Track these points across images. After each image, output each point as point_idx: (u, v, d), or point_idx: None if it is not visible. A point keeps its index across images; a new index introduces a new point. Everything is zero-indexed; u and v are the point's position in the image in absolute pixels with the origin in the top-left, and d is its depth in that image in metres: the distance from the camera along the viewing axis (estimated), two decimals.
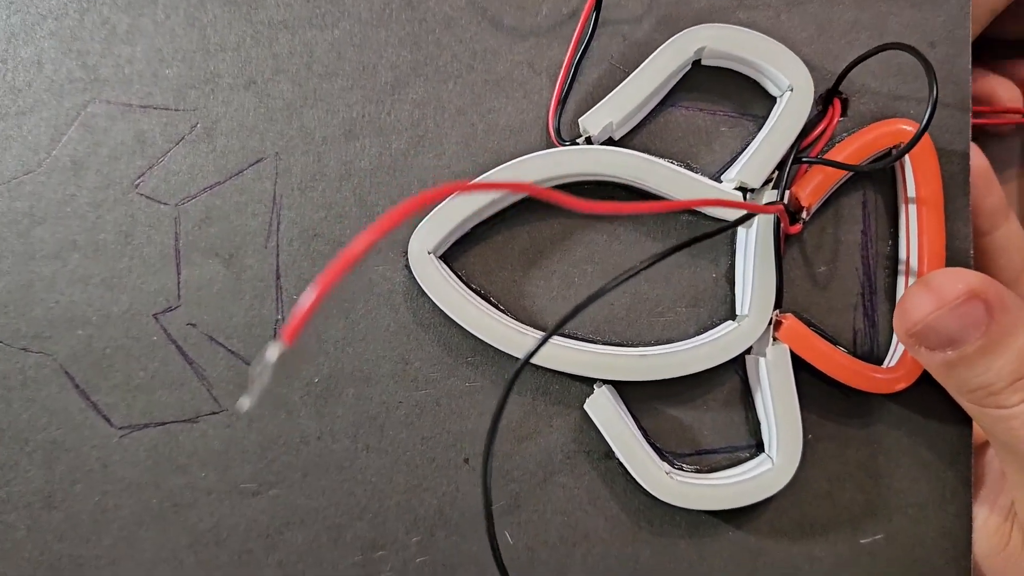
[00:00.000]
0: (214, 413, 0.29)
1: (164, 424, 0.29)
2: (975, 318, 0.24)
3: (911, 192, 0.28)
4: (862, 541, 0.29)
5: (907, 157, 0.28)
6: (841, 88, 0.28)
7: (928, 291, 0.25)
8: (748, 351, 0.28)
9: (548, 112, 0.29)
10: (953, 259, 0.28)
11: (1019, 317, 0.24)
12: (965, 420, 0.29)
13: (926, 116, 0.25)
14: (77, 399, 0.29)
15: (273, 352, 0.16)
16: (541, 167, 0.28)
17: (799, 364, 0.28)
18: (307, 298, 0.16)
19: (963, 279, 0.25)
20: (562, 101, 0.29)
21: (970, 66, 0.28)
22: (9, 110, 0.29)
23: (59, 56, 0.29)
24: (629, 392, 0.29)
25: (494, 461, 0.29)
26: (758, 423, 0.29)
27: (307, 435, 0.29)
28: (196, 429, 0.29)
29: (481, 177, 0.28)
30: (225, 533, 0.29)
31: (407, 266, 0.29)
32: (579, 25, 0.28)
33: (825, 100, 0.28)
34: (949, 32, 0.28)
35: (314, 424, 0.29)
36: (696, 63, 0.29)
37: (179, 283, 0.29)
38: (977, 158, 0.29)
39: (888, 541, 0.29)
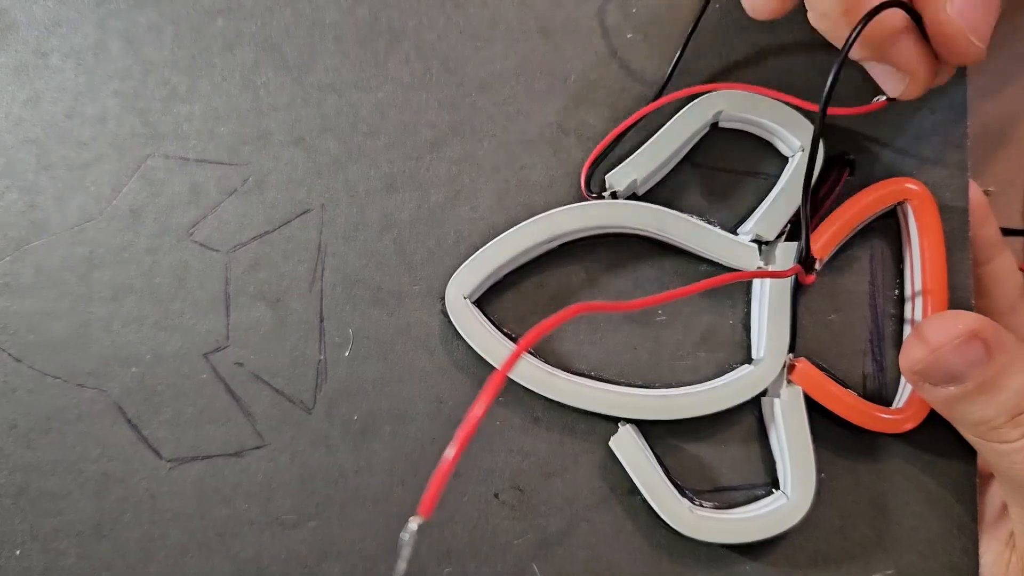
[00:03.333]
0: (257, 448, 0.31)
1: (210, 457, 0.31)
2: (975, 356, 0.26)
3: (915, 246, 0.30)
4: None
5: (911, 213, 0.30)
6: (848, 149, 0.30)
7: (933, 329, 0.27)
8: (764, 393, 0.30)
9: (575, 169, 0.31)
10: (954, 309, 0.30)
11: (1016, 356, 0.26)
12: (970, 459, 0.31)
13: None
14: (129, 433, 0.31)
15: (414, 524, 0.18)
16: (571, 219, 0.30)
17: (812, 406, 0.30)
18: (441, 470, 0.18)
19: (964, 319, 0.27)
20: (598, 161, 0.31)
21: (967, 131, 0.30)
22: (74, 162, 0.31)
23: (122, 113, 0.31)
24: (651, 431, 0.31)
25: (523, 496, 0.31)
26: (773, 461, 0.31)
27: (345, 470, 0.31)
28: (240, 463, 0.31)
29: (514, 228, 0.30)
30: (266, 562, 0.31)
31: (443, 311, 0.31)
32: (641, 111, 0.30)
33: (833, 161, 0.30)
34: (948, 98, 0.31)
35: (352, 459, 0.31)
36: (714, 126, 0.31)
37: (228, 325, 0.31)
38: (974, 192, 0.31)
39: None
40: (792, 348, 0.30)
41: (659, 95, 0.30)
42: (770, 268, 0.30)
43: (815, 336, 0.31)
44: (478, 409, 0.17)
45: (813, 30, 0.27)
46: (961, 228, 0.31)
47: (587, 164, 0.31)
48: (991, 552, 0.30)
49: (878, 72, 0.27)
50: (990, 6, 0.23)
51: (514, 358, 0.19)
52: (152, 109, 0.31)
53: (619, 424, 0.30)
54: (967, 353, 0.26)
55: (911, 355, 0.27)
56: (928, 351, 0.27)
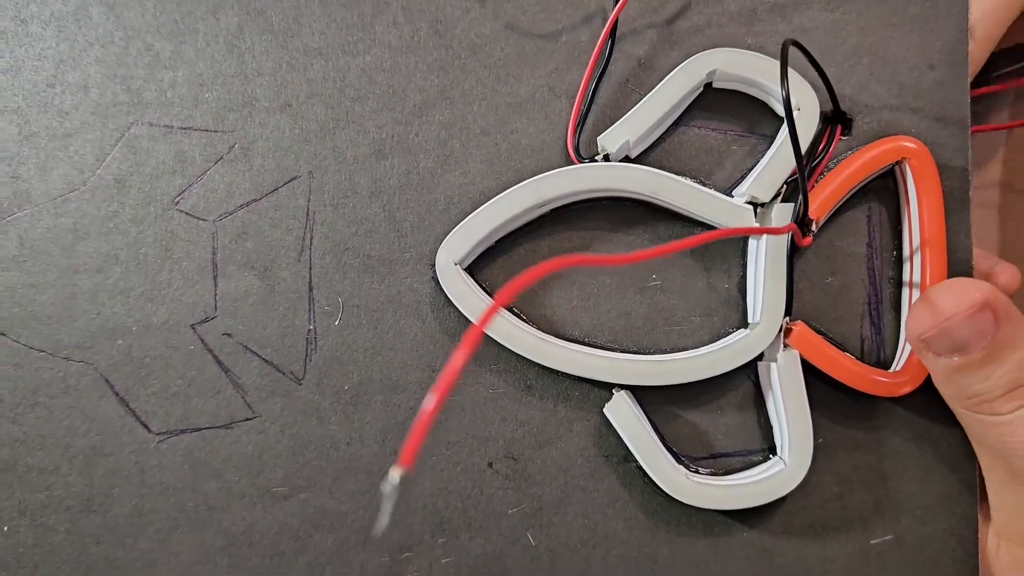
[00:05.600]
0: (248, 419, 0.31)
1: (200, 430, 0.31)
2: (984, 327, 0.26)
3: (913, 206, 0.29)
4: (872, 542, 0.30)
5: (909, 173, 0.29)
6: (844, 108, 0.30)
7: (944, 298, 0.26)
8: (760, 357, 0.30)
9: (567, 132, 0.30)
10: (954, 271, 0.30)
11: (1020, 329, 0.26)
12: None
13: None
14: (117, 406, 0.31)
15: (395, 476, 0.17)
16: (564, 182, 0.29)
17: (809, 371, 0.29)
18: (421, 422, 0.17)
19: (979, 288, 0.26)
20: (580, 121, 0.30)
21: (968, 87, 0.30)
22: (57, 132, 0.31)
23: (105, 81, 0.31)
24: (646, 398, 0.30)
25: (517, 466, 0.30)
26: (770, 427, 0.30)
27: (337, 440, 0.31)
28: (230, 435, 0.31)
29: (505, 192, 0.29)
30: (257, 536, 0.30)
31: (434, 277, 0.30)
32: (595, 49, 0.30)
33: (828, 119, 0.30)
34: (948, 55, 0.30)
35: (343, 430, 0.31)
36: (708, 86, 0.30)
37: (216, 295, 0.31)
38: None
39: (897, 542, 0.30)
40: (789, 311, 0.29)
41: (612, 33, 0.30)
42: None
43: (812, 299, 0.30)
44: (457, 360, 0.17)
45: None
46: (961, 188, 0.30)
47: (572, 125, 0.30)
48: None
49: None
50: None
51: (490, 313, 0.18)
52: (135, 76, 0.31)
53: (613, 391, 0.30)
54: (978, 324, 0.26)
55: (921, 323, 0.27)
56: (939, 320, 0.26)
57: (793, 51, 0.30)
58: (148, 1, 0.31)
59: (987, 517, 0.30)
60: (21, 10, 0.31)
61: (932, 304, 0.26)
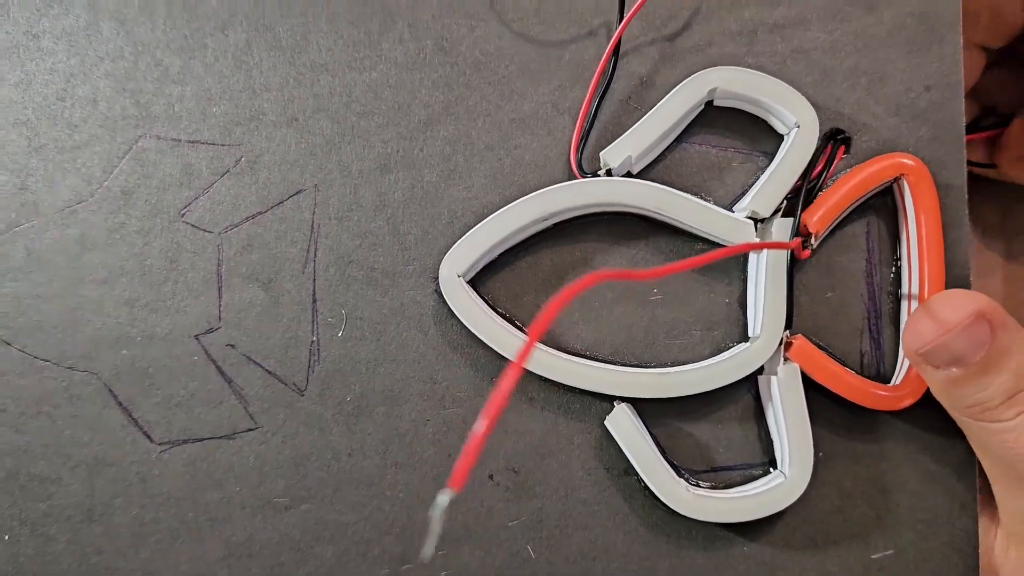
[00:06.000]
0: (250, 430, 0.31)
1: (202, 440, 0.31)
2: (981, 337, 0.26)
3: (911, 223, 0.30)
4: (872, 556, 0.30)
5: (907, 189, 0.30)
6: (843, 126, 0.30)
7: (943, 309, 0.27)
8: (760, 371, 0.30)
9: (570, 148, 0.31)
10: (951, 286, 0.30)
11: (1016, 337, 0.26)
12: None
13: None
14: (119, 416, 0.31)
15: (444, 499, 0.17)
16: (566, 197, 0.30)
17: (809, 384, 0.30)
18: (472, 444, 0.17)
19: (974, 300, 0.26)
20: (583, 137, 0.31)
21: (963, 107, 0.30)
22: (66, 144, 0.31)
23: (114, 95, 0.31)
24: (647, 411, 0.31)
25: (518, 478, 0.31)
26: (771, 440, 0.31)
27: (338, 452, 0.31)
28: (232, 445, 0.31)
29: (508, 206, 0.30)
30: (258, 547, 0.30)
31: (437, 290, 0.30)
32: (598, 67, 0.30)
33: (828, 137, 0.30)
34: (943, 76, 0.30)
35: (345, 441, 0.31)
36: (709, 104, 0.31)
37: (220, 306, 0.31)
38: None
39: (898, 556, 0.30)
40: (789, 325, 0.30)
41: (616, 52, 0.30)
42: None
43: (812, 313, 0.31)
44: (511, 376, 0.17)
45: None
46: (958, 206, 0.30)
47: (575, 140, 0.30)
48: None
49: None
50: None
51: (546, 321, 0.19)
52: (144, 90, 0.31)
53: (615, 403, 0.30)
54: (975, 335, 0.26)
55: (918, 337, 0.27)
56: (935, 333, 0.26)
57: (797, 70, 0.31)
58: (158, 17, 0.31)
59: (994, 521, 0.30)
60: (33, 25, 0.31)
61: (928, 317, 0.27)
